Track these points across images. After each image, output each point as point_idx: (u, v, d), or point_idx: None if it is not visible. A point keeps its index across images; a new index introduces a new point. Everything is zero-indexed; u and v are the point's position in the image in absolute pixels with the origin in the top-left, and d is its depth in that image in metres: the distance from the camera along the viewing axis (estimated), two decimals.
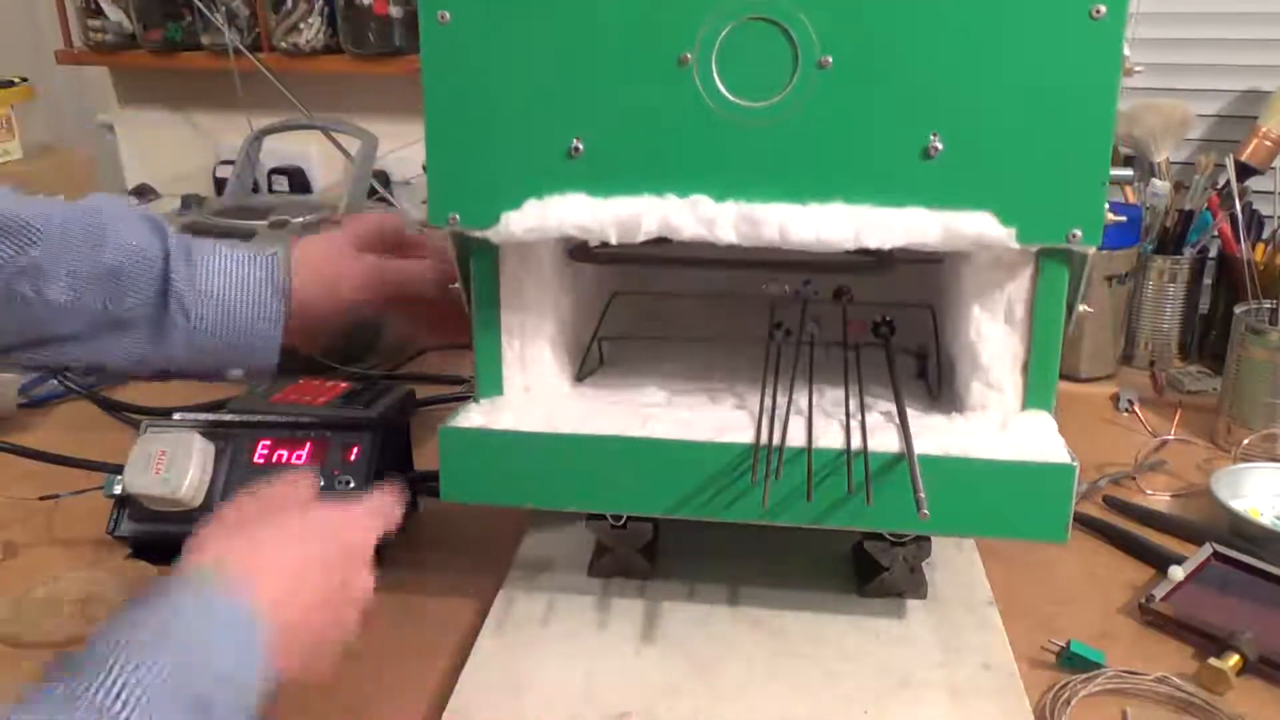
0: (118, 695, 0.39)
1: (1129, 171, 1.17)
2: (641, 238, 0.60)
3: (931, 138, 0.58)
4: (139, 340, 0.70)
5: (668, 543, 0.74)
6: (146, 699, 0.40)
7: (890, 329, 0.74)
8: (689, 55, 0.59)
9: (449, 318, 0.73)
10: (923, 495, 0.55)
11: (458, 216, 0.62)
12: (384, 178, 1.38)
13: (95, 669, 0.40)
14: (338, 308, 0.77)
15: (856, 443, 0.60)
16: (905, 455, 0.59)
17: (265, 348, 0.73)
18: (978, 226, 0.58)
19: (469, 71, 0.61)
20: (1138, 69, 0.58)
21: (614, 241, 0.61)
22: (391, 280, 0.79)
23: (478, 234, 0.63)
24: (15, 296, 0.67)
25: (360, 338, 1.13)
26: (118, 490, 0.75)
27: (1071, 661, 0.64)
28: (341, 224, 0.83)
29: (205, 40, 1.42)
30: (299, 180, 1.46)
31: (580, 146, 0.61)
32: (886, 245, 0.59)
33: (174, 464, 0.73)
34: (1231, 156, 1.13)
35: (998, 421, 0.63)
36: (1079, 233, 0.58)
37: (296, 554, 0.51)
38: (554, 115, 0.60)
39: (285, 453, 0.77)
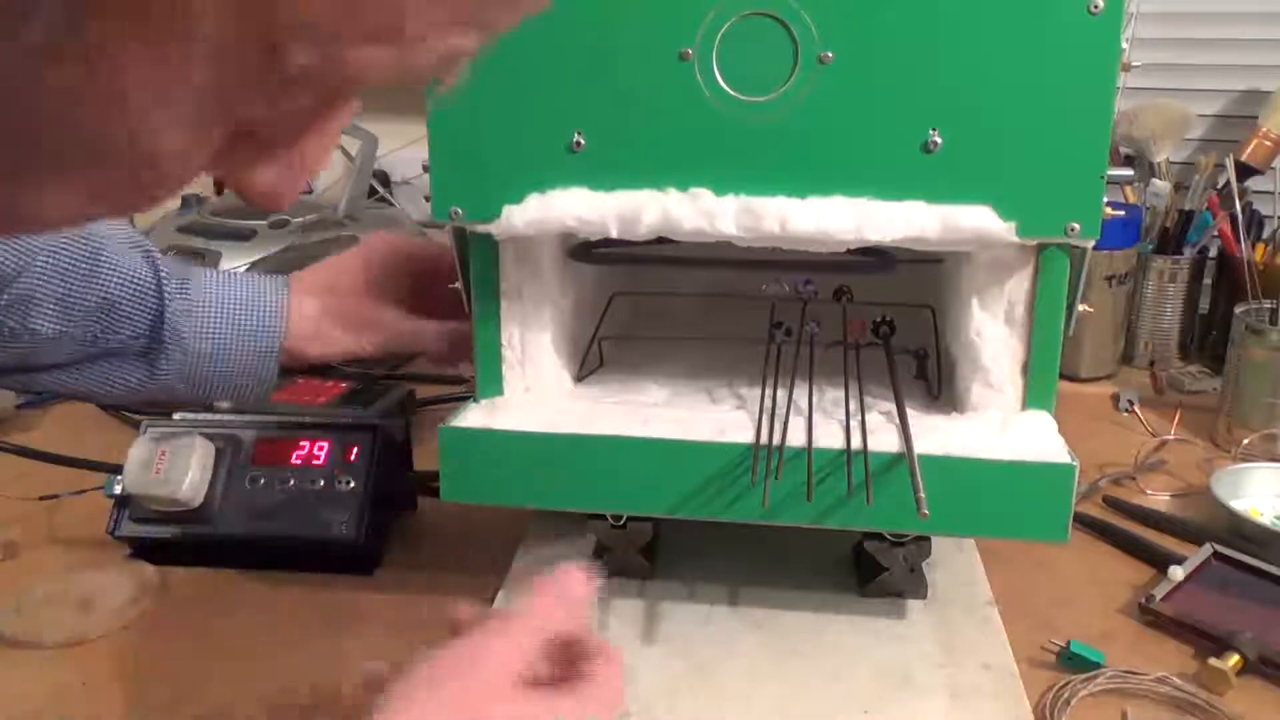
0: None
1: (1129, 171, 1.17)
2: (642, 230, 0.60)
3: (931, 132, 0.58)
4: (130, 371, 0.67)
5: (668, 543, 0.74)
6: None
7: (890, 329, 0.74)
8: (690, 50, 0.59)
9: (453, 360, 0.74)
10: (923, 495, 0.55)
11: (460, 210, 0.63)
12: (384, 178, 1.38)
13: None
14: (334, 354, 0.74)
15: (856, 443, 0.60)
16: (905, 455, 0.59)
17: (260, 384, 0.71)
18: (977, 220, 0.58)
19: (471, 65, 0.60)
20: (1135, 65, 0.58)
21: (615, 235, 0.61)
22: (399, 339, 0.76)
23: (480, 228, 0.63)
24: (1, 328, 0.63)
25: None
26: (118, 490, 0.75)
27: (1071, 661, 0.64)
28: (360, 245, 0.78)
29: None
30: None
31: (581, 140, 0.61)
32: (886, 239, 0.59)
33: (174, 464, 0.73)
34: (1231, 156, 1.13)
35: (998, 421, 0.63)
36: (1078, 226, 0.58)
37: None
38: (555, 109, 0.61)
39: (285, 453, 0.77)
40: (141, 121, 0.22)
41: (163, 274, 0.65)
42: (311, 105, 0.25)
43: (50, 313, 0.63)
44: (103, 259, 0.64)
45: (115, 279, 0.63)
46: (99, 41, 0.20)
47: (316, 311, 0.73)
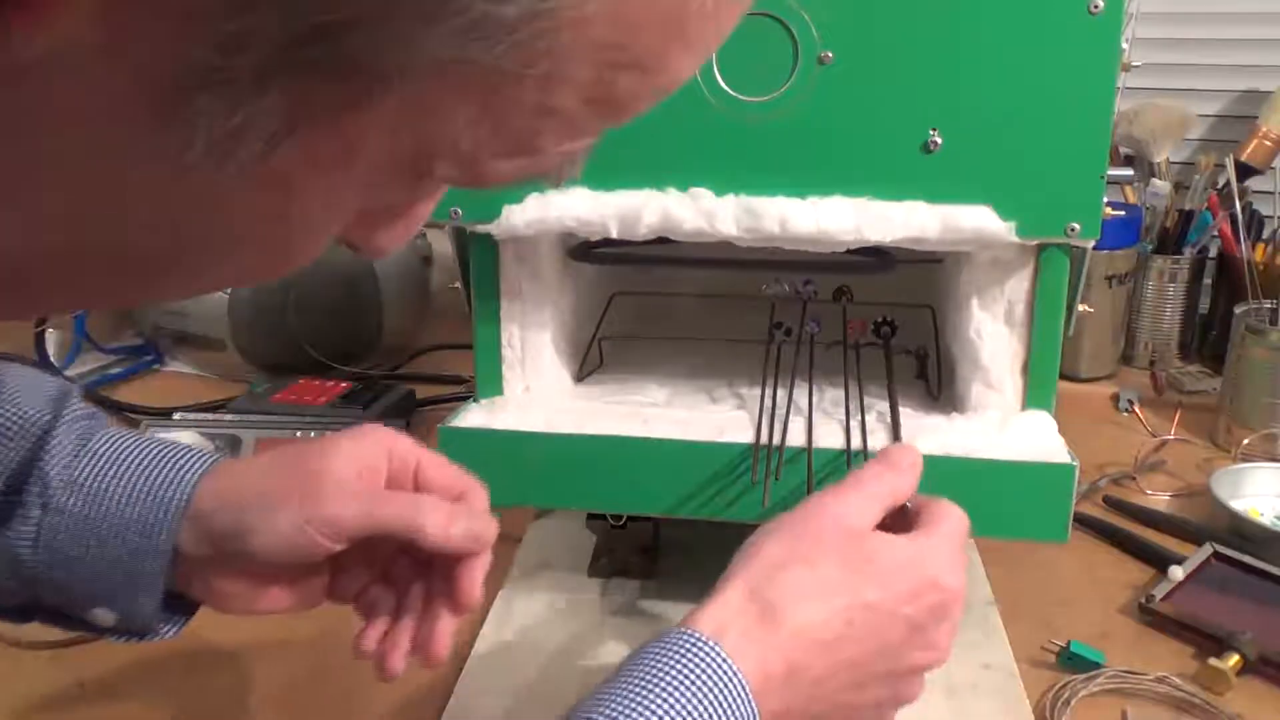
0: None
1: (1129, 171, 1.17)
2: (643, 230, 0.60)
3: (931, 132, 0.58)
4: None
5: (668, 543, 0.74)
6: None
7: (891, 329, 0.74)
8: None
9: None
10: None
11: (460, 211, 0.63)
12: None
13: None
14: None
15: (856, 443, 0.60)
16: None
17: (145, 581, 0.47)
18: (977, 220, 0.58)
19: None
20: (1135, 65, 0.58)
21: (615, 235, 0.61)
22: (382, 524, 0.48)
23: (480, 227, 0.63)
24: None
25: (360, 337, 1.13)
26: None
27: (1071, 661, 0.64)
28: (325, 448, 0.49)
29: None
30: None
31: None
32: (887, 239, 0.59)
33: None
34: (1231, 156, 1.13)
35: (998, 421, 0.63)
36: (1077, 226, 0.58)
37: (833, 660, 0.43)
38: None
39: None
40: (304, 230, 0.26)
41: (63, 418, 0.47)
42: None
43: None
44: (3, 388, 0.48)
45: (3, 413, 0.47)
46: (283, 169, 0.23)
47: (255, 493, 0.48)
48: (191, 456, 0.48)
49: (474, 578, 0.48)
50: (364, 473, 0.48)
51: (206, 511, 0.46)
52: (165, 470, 0.47)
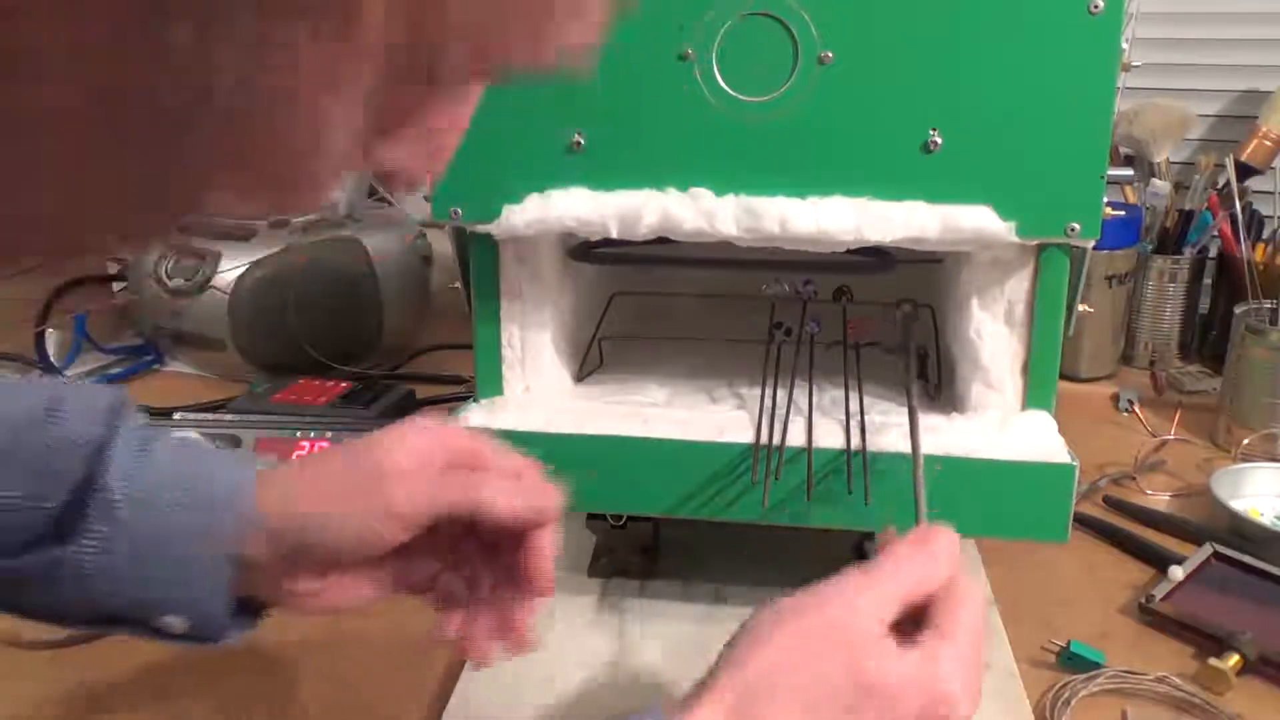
0: None
1: (1129, 171, 1.17)
2: (643, 231, 0.60)
3: (931, 132, 0.58)
4: (47, 552, 0.45)
5: (668, 543, 0.74)
6: None
7: (914, 308, 0.71)
8: (690, 50, 0.59)
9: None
10: (924, 512, 0.53)
11: (460, 211, 0.63)
12: None
13: None
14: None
15: (856, 442, 0.60)
16: (912, 463, 0.59)
17: (213, 587, 0.47)
18: (977, 220, 0.58)
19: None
20: (1135, 65, 0.58)
21: (615, 235, 0.61)
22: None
23: (480, 228, 0.63)
24: None
25: (360, 337, 1.13)
26: None
27: (1071, 661, 0.64)
28: (377, 442, 0.49)
29: None
30: None
31: (581, 141, 0.61)
32: (887, 239, 0.59)
33: None
34: (1231, 156, 1.13)
35: (998, 421, 0.63)
36: (1077, 226, 0.58)
37: None
38: (555, 109, 0.61)
39: (285, 452, 0.77)
40: (312, 117, 0.23)
41: (120, 431, 0.47)
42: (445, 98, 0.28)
43: None
44: (60, 410, 0.47)
45: (61, 429, 0.46)
46: (279, 41, 0.21)
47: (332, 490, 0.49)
48: (251, 462, 0.49)
49: (541, 555, 0.48)
50: (422, 461, 0.48)
51: (271, 515, 0.47)
52: (227, 476, 0.47)
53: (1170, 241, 1.15)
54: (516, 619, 0.49)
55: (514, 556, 0.49)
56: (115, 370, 1.14)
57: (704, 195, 0.60)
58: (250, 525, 0.46)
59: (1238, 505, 0.82)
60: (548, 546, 0.48)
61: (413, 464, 0.47)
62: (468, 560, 0.51)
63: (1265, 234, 1.18)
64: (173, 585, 0.46)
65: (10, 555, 0.45)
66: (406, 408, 0.98)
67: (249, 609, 0.49)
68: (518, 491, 0.47)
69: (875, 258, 0.64)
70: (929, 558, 0.43)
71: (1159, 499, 0.88)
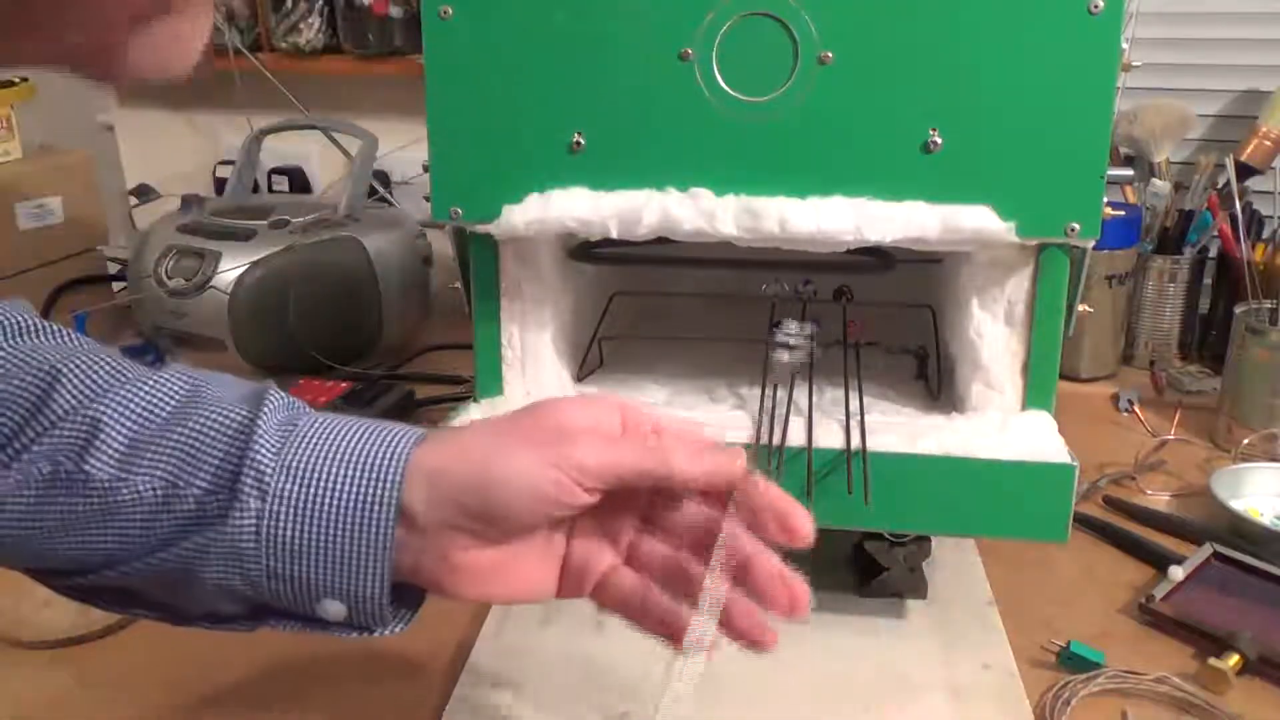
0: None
1: (1129, 171, 1.17)
2: (642, 230, 0.60)
3: (931, 132, 0.58)
4: (201, 536, 0.44)
5: None
6: None
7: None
8: (690, 50, 0.59)
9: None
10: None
11: (460, 210, 0.63)
12: (384, 178, 1.38)
13: None
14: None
15: (856, 443, 0.60)
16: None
17: (371, 562, 0.44)
18: (977, 220, 0.58)
19: (471, 66, 0.61)
20: (1135, 65, 0.58)
21: (615, 235, 0.61)
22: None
23: (480, 228, 0.63)
24: (57, 474, 0.44)
25: (360, 337, 1.13)
26: None
27: (1071, 661, 0.64)
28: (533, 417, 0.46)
29: None
30: (299, 180, 1.46)
31: (581, 141, 0.61)
32: (887, 239, 0.59)
33: None
34: (1231, 156, 1.13)
35: (998, 421, 0.63)
36: (1077, 226, 0.58)
37: None
38: (555, 109, 0.61)
39: None
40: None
41: (264, 411, 0.46)
42: None
43: (113, 453, 0.45)
44: (201, 397, 0.47)
45: (202, 416, 0.46)
46: None
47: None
48: (404, 429, 0.46)
49: (790, 508, 0.45)
50: (599, 426, 0.45)
51: (439, 469, 0.44)
52: (380, 443, 0.45)
53: (1170, 241, 1.15)
54: (757, 620, 0.46)
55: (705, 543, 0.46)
56: None
57: (704, 195, 0.60)
58: (420, 480, 0.44)
59: (1238, 505, 0.82)
60: (754, 540, 0.45)
61: (592, 427, 0.45)
62: (644, 560, 0.48)
63: (1265, 234, 1.18)
64: (329, 564, 0.44)
65: (168, 545, 0.44)
66: (406, 408, 0.98)
67: (408, 600, 0.47)
68: (702, 452, 0.44)
69: (875, 258, 0.64)
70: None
71: (1159, 499, 0.88)
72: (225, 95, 1.38)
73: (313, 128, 1.25)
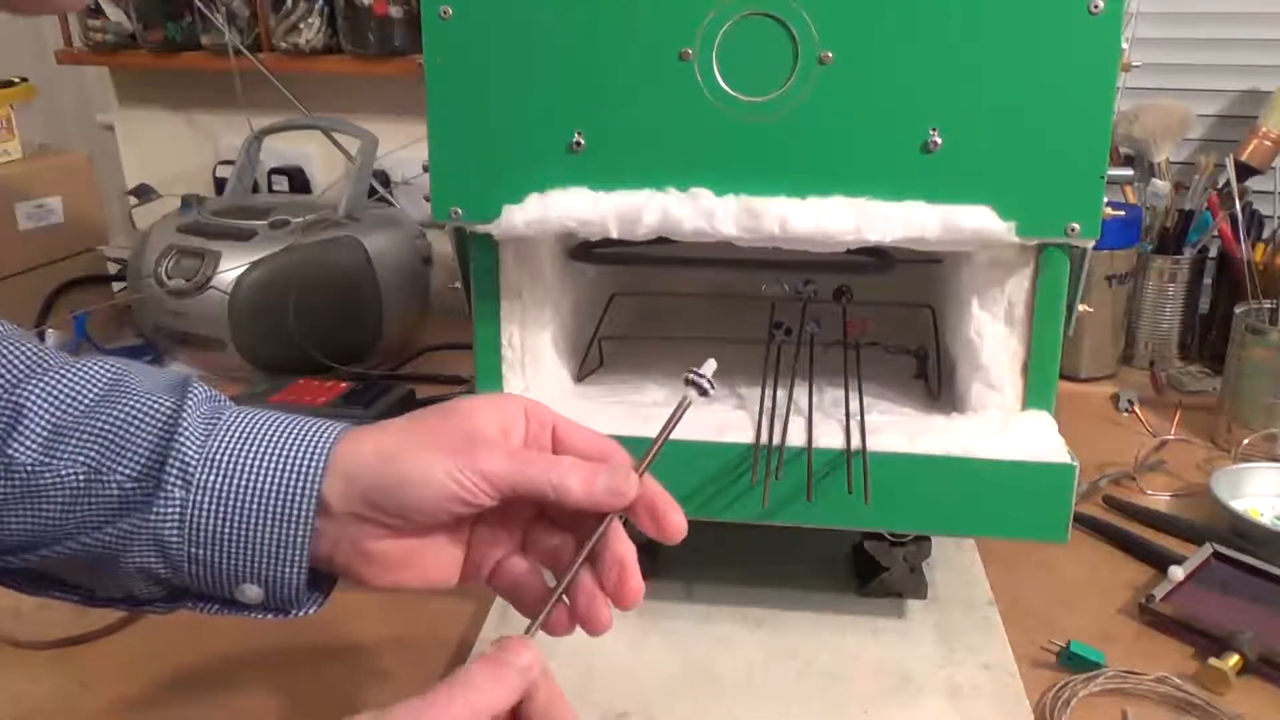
0: None
1: (1129, 171, 1.17)
2: (642, 230, 0.60)
3: (931, 132, 0.58)
4: (122, 525, 0.45)
5: None
6: None
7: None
8: (690, 50, 0.59)
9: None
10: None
11: (460, 210, 0.63)
12: (384, 178, 1.38)
13: None
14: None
15: (856, 442, 0.60)
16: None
17: (290, 550, 0.46)
18: (977, 220, 0.58)
19: (471, 66, 0.61)
20: (1135, 65, 0.58)
21: (615, 235, 0.61)
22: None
23: (480, 228, 0.63)
24: None
25: (360, 337, 1.13)
26: None
27: (1071, 661, 0.64)
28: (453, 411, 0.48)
29: (205, 40, 1.42)
30: (299, 180, 1.46)
31: (581, 141, 0.61)
32: (886, 239, 0.59)
33: None
34: (1231, 156, 1.13)
35: (998, 421, 0.63)
36: (1077, 226, 0.58)
37: None
38: (555, 109, 0.61)
39: None
40: None
41: (188, 402, 0.48)
42: None
43: (36, 438, 0.46)
44: (124, 385, 0.48)
45: (126, 405, 0.47)
46: None
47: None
48: (324, 423, 0.48)
49: (618, 541, 0.47)
50: (506, 432, 0.48)
51: (355, 466, 0.46)
52: (301, 437, 0.47)
53: (1170, 241, 1.15)
54: (597, 611, 0.47)
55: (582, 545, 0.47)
56: None
57: (704, 195, 0.60)
58: (335, 476, 0.46)
59: (1238, 505, 0.82)
60: (623, 538, 0.47)
61: (499, 434, 0.47)
62: (536, 548, 0.50)
63: (1265, 234, 1.18)
64: (249, 551, 0.46)
65: (90, 530, 0.45)
66: (406, 408, 0.98)
67: (321, 584, 0.49)
68: (598, 474, 0.46)
69: (875, 258, 0.64)
70: (498, 682, 0.43)
71: (1159, 499, 0.88)
72: (225, 95, 1.38)
73: (313, 128, 1.25)
